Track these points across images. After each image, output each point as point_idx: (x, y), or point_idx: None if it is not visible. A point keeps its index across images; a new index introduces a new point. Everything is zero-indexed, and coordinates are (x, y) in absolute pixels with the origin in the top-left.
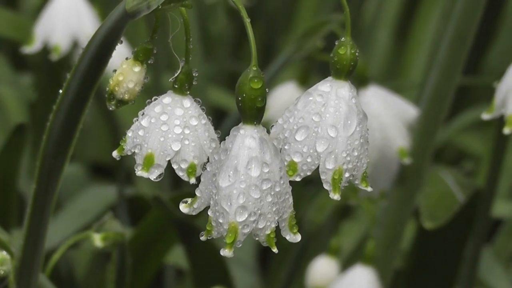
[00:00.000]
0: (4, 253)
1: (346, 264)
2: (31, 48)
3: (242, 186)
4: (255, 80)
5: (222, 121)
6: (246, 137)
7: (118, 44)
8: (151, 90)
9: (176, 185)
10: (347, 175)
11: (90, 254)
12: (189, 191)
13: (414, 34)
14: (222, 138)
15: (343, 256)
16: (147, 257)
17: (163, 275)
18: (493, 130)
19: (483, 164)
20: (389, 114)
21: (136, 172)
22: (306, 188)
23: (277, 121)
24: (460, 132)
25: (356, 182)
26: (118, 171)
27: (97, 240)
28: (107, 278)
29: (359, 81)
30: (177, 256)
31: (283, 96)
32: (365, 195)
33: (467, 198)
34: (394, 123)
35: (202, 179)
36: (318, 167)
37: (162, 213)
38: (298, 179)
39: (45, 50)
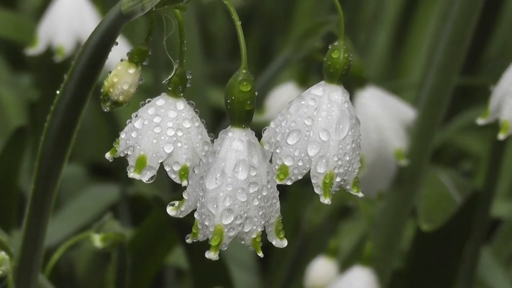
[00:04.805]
0: (3, 253)
1: (345, 265)
2: (35, 49)
3: (228, 189)
4: (244, 83)
5: (221, 121)
6: (234, 140)
7: (114, 45)
8: (151, 90)
9: (176, 185)
10: (338, 179)
11: (90, 253)
12: None
13: (413, 35)
14: None
15: (342, 257)
16: (148, 257)
17: (163, 275)
18: (492, 131)
19: (482, 164)
20: (387, 115)
21: (128, 173)
22: (305, 189)
23: (269, 124)
24: (459, 132)
25: (348, 187)
26: (120, 171)
27: (97, 240)
28: (107, 278)
29: (357, 82)
30: (177, 256)
31: (282, 96)
32: (363, 196)
33: (466, 199)
34: (392, 124)
35: (190, 182)
36: (310, 171)
37: (162, 213)
38: (289, 183)
39: (45, 51)
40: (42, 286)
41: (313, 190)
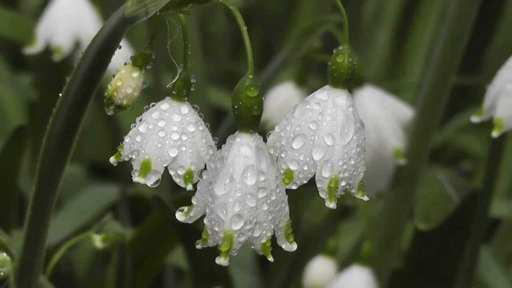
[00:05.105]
0: (5, 255)
1: (344, 265)
2: (33, 48)
3: (237, 195)
4: (251, 89)
5: (221, 121)
6: (242, 146)
7: (117, 49)
8: (152, 92)
9: (175, 186)
10: (343, 183)
11: (90, 253)
12: (189, 193)
13: (413, 35)
14: (220, 142)
15: (341, 257)
16: (148, 257)
17: (163, 275)
18: (492, 130)
19: (482, 164)
20: (385, 115)
21: (133, 178)
22: (304, 189)
23: (274, 129)
24: (459, 132)
25: (353, 191)
26: (120, 171)
27: (97, 241)
28: (107, 278)
29: (355, 82)
30: (177, 257)
31: (281, 96)
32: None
33: (465, 199)
34: (390, 124)
35: (198, 187)
36: (315, 175)
37: (163, 213)
38: (294, 187)
39: (45, 50)
40: (43, 287)
41: (313, 190)
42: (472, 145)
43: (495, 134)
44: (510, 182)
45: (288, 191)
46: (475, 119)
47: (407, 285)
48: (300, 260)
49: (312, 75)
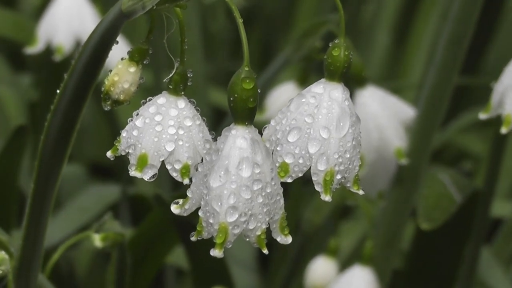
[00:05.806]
0: (3, 253)
1: (346, 264)
2: (34, 48)
3: (232, 187)
4: (247, 81)
5: (222, 121)
6: (237, 138)
7: (115, 44)
8: (152, 89)
9: (176, 184)
10: (338, 177)
11: (90, 253)
12: None
13: (413, 35)
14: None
15: (342, 256)
16: (148, 257)
17: (163, 275)
18: (493, 130)
19: (483, 164)
20: (387, 115)
21: (129, 172)
22: (305, 189)
23: (270, 122)
24: (460, 132)
25: (348, 184)
26: (120, 170)
27: (97, 240)
28: (107, 278)
29: (357, 81)
30: (177, 256)
31: (282, 96)
32: (364, 196)
33: (466, 198)
34: (392, 124)
35: (193, 180)
36: (310, 168)
37: (163, 212)
38: (289, 180)
39: (46, 50)
40: (42, 286)
41: (314, 189)
42: (473, 145)
43: (504, 130)
44: (511, 182)
45: (289, 191)
46: (482, 116)
47: (408, 285)
48: (300, 260)
49: (314, 75)
